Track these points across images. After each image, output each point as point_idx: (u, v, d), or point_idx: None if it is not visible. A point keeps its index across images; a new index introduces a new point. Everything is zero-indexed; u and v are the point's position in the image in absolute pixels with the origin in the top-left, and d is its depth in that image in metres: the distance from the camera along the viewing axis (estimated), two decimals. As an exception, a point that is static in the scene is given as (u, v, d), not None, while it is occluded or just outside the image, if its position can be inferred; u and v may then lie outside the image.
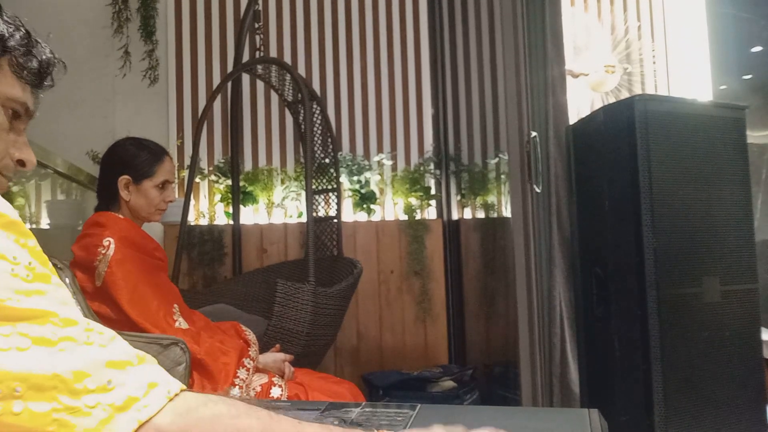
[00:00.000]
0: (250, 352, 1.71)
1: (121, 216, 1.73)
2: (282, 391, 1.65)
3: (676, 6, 3.64)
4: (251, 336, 1.81)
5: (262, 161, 3.39)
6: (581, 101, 3.43)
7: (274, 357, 1.83)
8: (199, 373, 1.58)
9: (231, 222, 3.17)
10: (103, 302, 1.59)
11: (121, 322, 1.57)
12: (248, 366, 1.65)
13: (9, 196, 2.06)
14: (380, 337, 3.18)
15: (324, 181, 2.89)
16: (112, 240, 1.61)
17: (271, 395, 1.62)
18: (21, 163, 0.82)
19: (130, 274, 1.60)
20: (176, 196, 1.89)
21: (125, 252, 1.62)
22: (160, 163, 1.77)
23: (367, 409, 1.03)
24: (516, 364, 1.97)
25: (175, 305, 1.70)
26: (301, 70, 3.43)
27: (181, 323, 1.66)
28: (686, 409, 1.82)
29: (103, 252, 1.60)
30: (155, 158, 1.77)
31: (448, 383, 2.73)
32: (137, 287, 1.60)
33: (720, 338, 1.89)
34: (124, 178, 1.72)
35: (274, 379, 1.70)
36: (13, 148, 0.80)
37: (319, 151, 2.90)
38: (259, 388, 1.66)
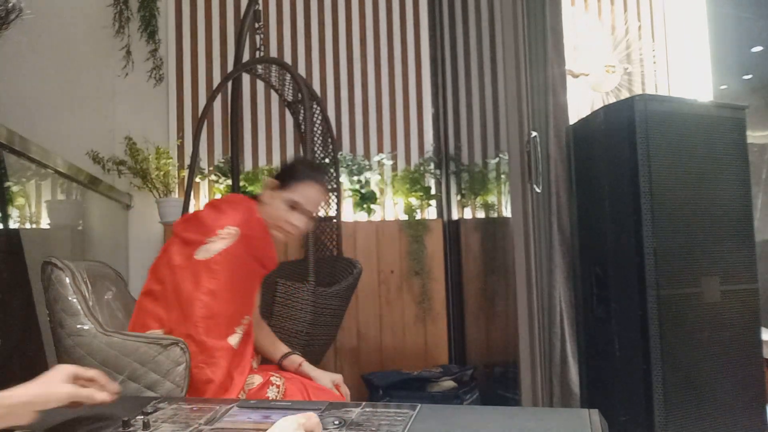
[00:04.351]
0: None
1: (258, 211, 1.68)
2: (278, 392, 1.64)
3: (676, 6, 3.64)
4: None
5: (262, 161, 3.39)
6: (581, 101, 3.44)
7: (330, 378, 1.80)
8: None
9: (231, 222, 3.17)
10: (193, 275, 1.52)
11: (171, 306, 1.51)
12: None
13: (9, 196, 2.06)
14: (380, 337, 3.18)
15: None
16: (239, 232, 1.55)
17: (267, 396, 1.61)
18: None
19: (228, 272, 1.52)
20: (307, 227, 1.73)
21: (239, 249, 1.55)
22: (303, 183, 1.69)
23: (367, 409, 1.03)
24: (516, 364, 1.97)
25: (246, 317, 1.60)
26: (301, 70, 3.43)
27: (235, 341, 1.54)
28: (686, 409, 1.83)
29: (223, 236, 1.54)
30: (303, 177, 1.70)
31: (448, 383, 2.73)
32: (226, 287, 1.52)
33: (720, 338, 1.89)
34: (273, 180, 1.70)
35: (272, 378, 1.69)
36: None
37: (319, 151, 2.90)
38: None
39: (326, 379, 1.81)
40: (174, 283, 1.55)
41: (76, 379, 1.03)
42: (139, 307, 1.64)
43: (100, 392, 1.02)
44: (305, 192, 1.68)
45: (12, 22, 0.81)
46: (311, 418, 0.87)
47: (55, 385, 0.98)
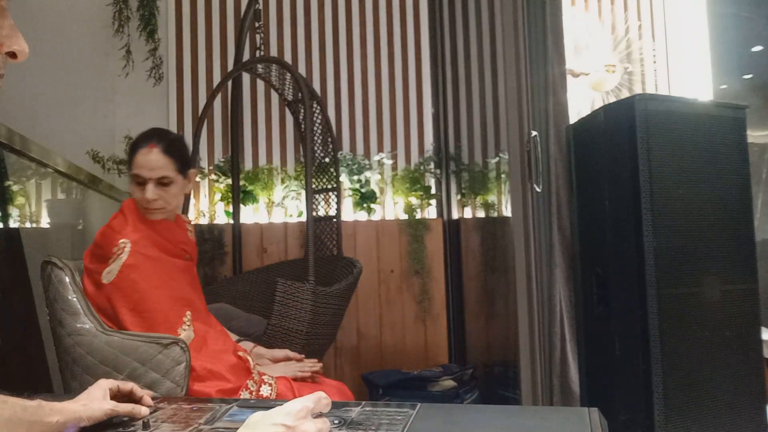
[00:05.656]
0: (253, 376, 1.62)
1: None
2: (271, 390, 1.64)
3: (676, 6, 3.64)
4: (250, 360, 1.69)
5: (262, 160, 3.39)
6: (582, 101, 3.43)
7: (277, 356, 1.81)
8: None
9: (231, 221, 3.17)
10: (108, 300, 1.56)
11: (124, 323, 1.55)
12: (251, 389, 1.58)
13: (9, 195, 2.06)
14: (380, 337, 3.18)
15: (324, 180, 2.89)
16: (128, 243, 1.56)
17: (261, 394, 1.61)
18: (12, 54, 0.70)
19: (137, 283, 1.55)
20: (156, 194, 1.63)
21: (138, 257, 1.56)
22: (132, 157, 1.67)
23: (367, 409, 1.02)
24: (516, 364, 1.97)
25: (188, 313, 1.62)
26: (302, 70, 3.43)
27: (188, 335, 1.58)
28: (686, 409, 1.82)
29: (118, 253, 1.56)
30: (130, 152, 1.68)
31: (448, 383, 2.73)
32: (144, 298, 1.55)
33: (720, 338, 1.89)
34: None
35: (264, 377, 1.69)
36: (1, 37, 0.68)
37: (319, 151, 2.90)
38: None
39: (281, 353, 1.83)
40: (98, 308, 1.57)
41: (115, 393, 1.04)
42: None
43: (139, 407, 1.01)
44: (135, 163, 1.65)
45: None
46: (321, 400, 0.85)
47: (96, 403, 0.97)
